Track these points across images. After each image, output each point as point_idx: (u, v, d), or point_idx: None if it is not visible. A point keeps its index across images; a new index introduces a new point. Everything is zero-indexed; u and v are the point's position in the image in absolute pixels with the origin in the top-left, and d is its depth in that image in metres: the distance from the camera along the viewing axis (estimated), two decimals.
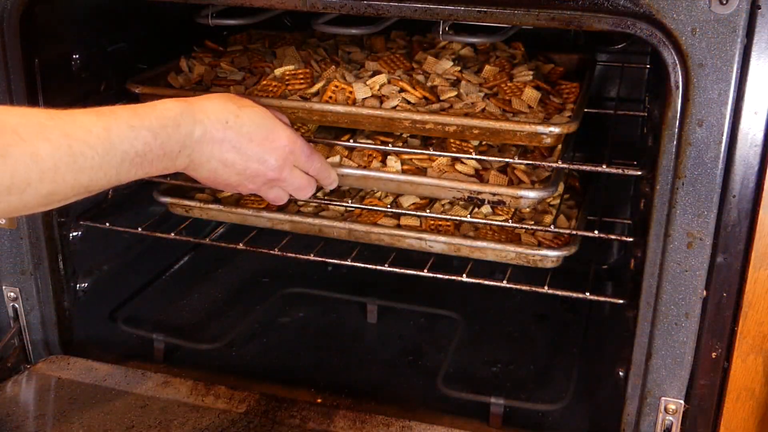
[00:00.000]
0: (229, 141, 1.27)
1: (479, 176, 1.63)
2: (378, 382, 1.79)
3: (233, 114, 1.28)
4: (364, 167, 1.64)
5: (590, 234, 1.57)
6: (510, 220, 1.59)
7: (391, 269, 1.68)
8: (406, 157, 1.66)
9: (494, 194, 1.55)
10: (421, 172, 1.64)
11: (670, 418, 1.42)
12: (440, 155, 1.61)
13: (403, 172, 1.64)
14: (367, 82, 1.64)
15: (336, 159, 1.66)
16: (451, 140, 1.62)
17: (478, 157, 1.56)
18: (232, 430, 1.54)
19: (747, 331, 1.33)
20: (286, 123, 1.39)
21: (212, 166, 1.27)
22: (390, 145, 1.66)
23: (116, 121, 1.12)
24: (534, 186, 1.60)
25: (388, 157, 1.65)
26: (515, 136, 1.52)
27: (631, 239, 1.59)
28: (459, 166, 1.62)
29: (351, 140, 1.65)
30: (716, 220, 1.28)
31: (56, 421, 1.57)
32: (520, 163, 1.60)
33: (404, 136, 1.70)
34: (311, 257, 1.74)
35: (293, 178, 1.38)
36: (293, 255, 1.74)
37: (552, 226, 1.57)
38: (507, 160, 1.56)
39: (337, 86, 1.63)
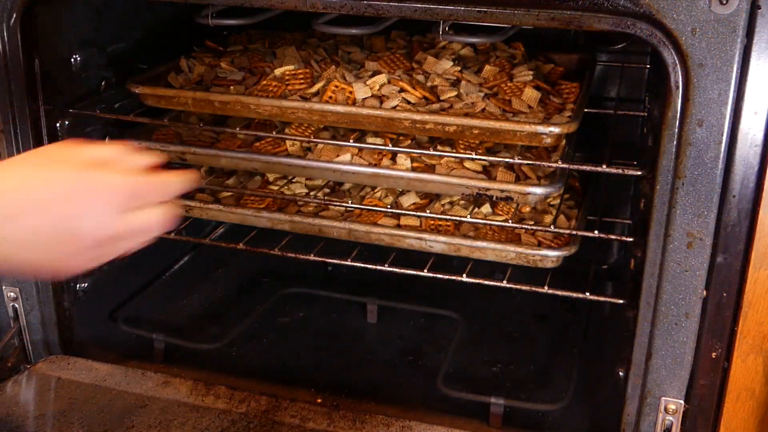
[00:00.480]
0: (42, 211, 1.02)
1: (487, 172, 1.64)
2: (378, 382, 1.79)
3: (43, 178, 1.04)
4: (375, 165, 1.65)
5: (590, 234, 1.57)
6: (510, 220, 1.59)
7: (391, 269, 1.68)
8: (415, 155, 1.66)
9: (503, 191, 1.55)
10: (430, 169, 1.64)
11: (670, 418, 1.42)
12: (446, 155, 1.61)
13: (413, 169, 1.64)
14: (367, 82, 1.64)
15: (347, 157, 1.66)
16: (459, 139, 1.62)
17: (479, 157, 1.56)
18: (232, 430, 1.54)
19: (747, 331, 1.33)
20: (118, 162, 1.11)
21: (28, 248, 1.02)
22: (391, 144, 1.66)
23: None
24: (540, 182, 1.60)
25: (398, 155, 1.66)
26: (515, 136, 1.52)
27: (631, 239, 1.59)
28: (467, 163, 1.63)
29: (356, 139, 1.65)
30: (716, 220, 1.28)
31: (56, 421, 1.57)
32: (523, 163, 1.60)
33: (413, 134, 1.70)
34: (311, 257, 1.74)
35: (138, 222, 1.12)
36: (293, 255, 1.74)
37: (552, 226, 1.57)
38: (508, 159, 1.56)
39: (337, 86, 1.63)
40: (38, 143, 1.62)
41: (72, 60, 1.69)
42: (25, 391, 1.67)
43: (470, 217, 1.62)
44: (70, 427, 1.55)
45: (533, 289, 1.61)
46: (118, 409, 1.60)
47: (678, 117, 1.24)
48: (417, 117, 1.55)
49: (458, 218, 1.63)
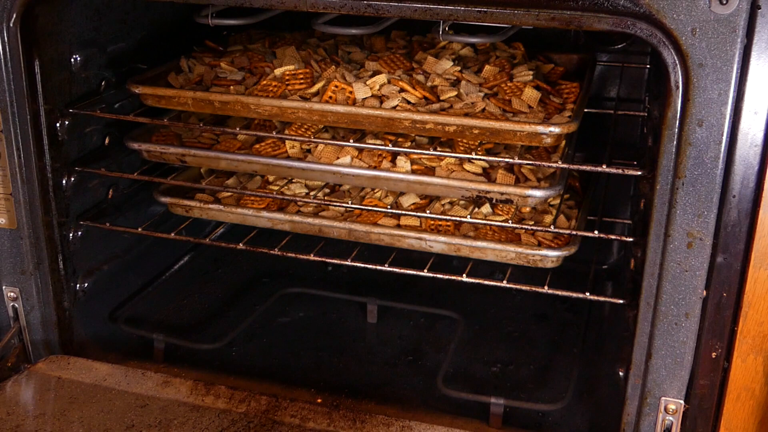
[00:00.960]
0: None
1: (487, 174, 1.64)
2: (378, 382, 1.80)
3: None
4: (375, 167, 1.65)
5: (590, 234, 1.57)
6: (510, 221, 1.59)
7: (391, 269, 1.68)
8: (414, 156, 1.66)
9: (502, 194, 1.56)
10: (430, 171, 1.64)
11: (670, 418, 1.42)
12: (446, 155, 1.61)
13: (413, 171, 1.64)
14: (367, 82, 1.64)
15: (347, 159, 1.66)
16: (459, 139, 1.62)
17: (479, 157, 1.56)
18: (231, 429, 1.54)
19: (747, 331, 1.33)
20: None
21: None
22: (391, 144, 1.66)
23: None
24: (540, 184, 1.61)
25: (398, 157, 1.66)
26: (515, 136, 1.52)
27: (631, 239, 1.59)
28: (467, 165, 1.63)
29: (357, 140, 1.65)
30: (716, 220, 1.28)
31: (56, 420, 1.57)
32: (523, 164, 1.60)
33: (413, 135, 1.70)
34: (311, 257, 1.74)
35: None
36: (293, 255, 1.74)
37: (552, 227, 1.57)
38: (508, 160, 1.56)
39: (337, 86, 1.63)
40: (38, 143, 1.63)
41: (72, 60, 1.69)
42: (25, 390, 1.67)
43: (470, 218, 1.62)
44: (70, 426, 1.55)
45: (533, 289, 1.61)
46: (119, 408, 1.60)
47: (678, 117, 1.25)
48: (417, 117, 1.55)
49: (458, 218, 1.63)
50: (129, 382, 1.68)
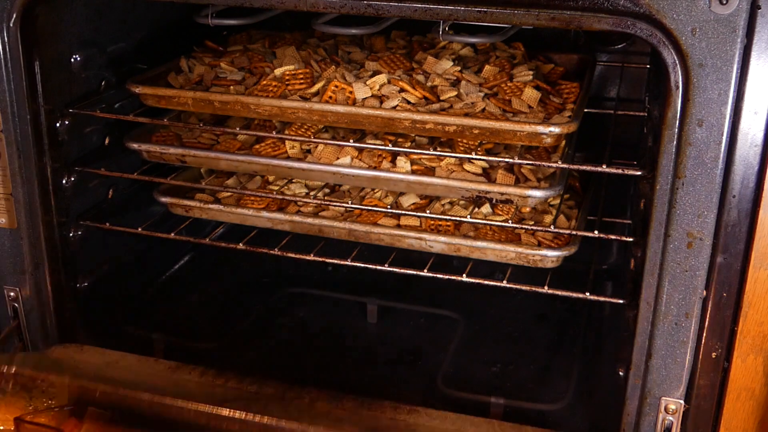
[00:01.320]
0: None
1: (487, 174, 1.64)
2: (378, 382, 1.79)
3: None
4: (375, 167, 1.65)
5: (590, 234, 1.57)
6: (510, 221, 1.59)
7: (391, 269, 1.68)
8: (414, 156, 1.66)
9: (502, 194, 1.56)
10: (430, 171, 1.64)
11: (670, 418, 1.42)
12: (446, 155, 1.62)
13: (413, 171, 1.64)
14: (367, 82, 1.64)
15: (347, 160, 1.66)
16: (459, 139, 1.62)
17: (480, 157, 1.56)
18: (243, 397, 1.55)
19: (747, 331, 1.33)
20: None
21: None
22: (391, 144, 1.66)
23: None
24: (540, 184, 1.61)
25: (398, 157, 1.66)
26: (515, 136, 1.52)
27: (631, 239, 1.59)
28: (467, 165, 1.63)
29: (357, 140, 1.65)
30: (716, 220, 1.28)
31: (71, 371, 1.60)
32: (523, 164, 1.60)
33: (413, 135, 1.70)
34: (311, 257, 1.74)
35: None
36: (293, 255, 1.74)
37: (552, 226, 1.57)
38: (508, 160, 1.57)
39: (337, 86, 1.63)
40: (38, 143, 1.62)
41: (72, 60, 1.69)
42: (39, 360, 1.67)
43: (470, 217, 1.62)
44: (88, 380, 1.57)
45: (533, 289, 1.61)
46: (132, 377, 1.61)
47: (678, 117, 1.25)
48: (417, 117, 1.55)
49: (458, 218, 1.63)
50: (141, 365, 1.67)
